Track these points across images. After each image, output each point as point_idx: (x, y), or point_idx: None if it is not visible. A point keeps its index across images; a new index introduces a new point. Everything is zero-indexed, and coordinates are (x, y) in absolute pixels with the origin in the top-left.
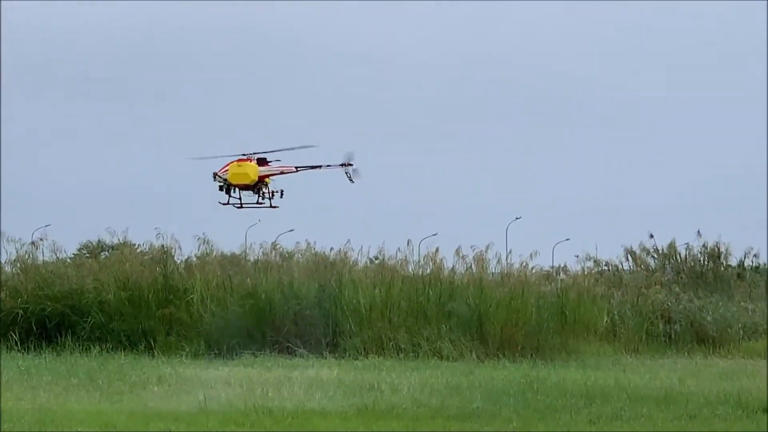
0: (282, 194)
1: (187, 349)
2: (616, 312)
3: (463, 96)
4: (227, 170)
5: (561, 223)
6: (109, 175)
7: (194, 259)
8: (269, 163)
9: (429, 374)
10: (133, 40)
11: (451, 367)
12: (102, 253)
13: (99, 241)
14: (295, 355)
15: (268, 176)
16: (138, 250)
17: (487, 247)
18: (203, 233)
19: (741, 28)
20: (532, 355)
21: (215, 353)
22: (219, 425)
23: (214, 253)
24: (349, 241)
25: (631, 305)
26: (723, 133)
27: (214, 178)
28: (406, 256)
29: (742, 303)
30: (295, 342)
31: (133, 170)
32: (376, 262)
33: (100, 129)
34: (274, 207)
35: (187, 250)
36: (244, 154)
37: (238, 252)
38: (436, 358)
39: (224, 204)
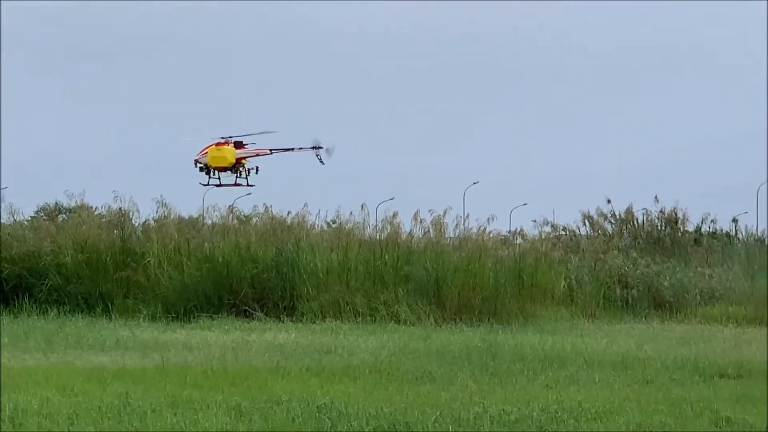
0: (257, 171)
1: (145, 312)
2: (573, 277)
3: (421, 64)
4: (206, 153)
5: (518, 188)
6: (67, 138)
7: (152, 222)
8: (245, 146)
9: (386, 338)
10: (84, 3)
11: (409, 331)
12: (60, 216)
13: (57, 203)
14: (253, 319)
15: (244, 158)
16: (96, 213)
17: (445, 212)
18: (161, 196)
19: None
20: (489, 320)
21: (173, 316)
22: (177, 387)
23: (172, 217)
24: (306, 204)
25: (588, 270)
26: (680, 101)
27: (195, 163)
28: (363, 220)
29: (699, 268)
30: (253, 305)
31: (93, 134)
32: (334, 226)
33: (60, 93)
34: (251, 185)
35: (144, 213)
36: (222, 138)
37: (195, 215)
38: (393, 322)
39: (205, 185)
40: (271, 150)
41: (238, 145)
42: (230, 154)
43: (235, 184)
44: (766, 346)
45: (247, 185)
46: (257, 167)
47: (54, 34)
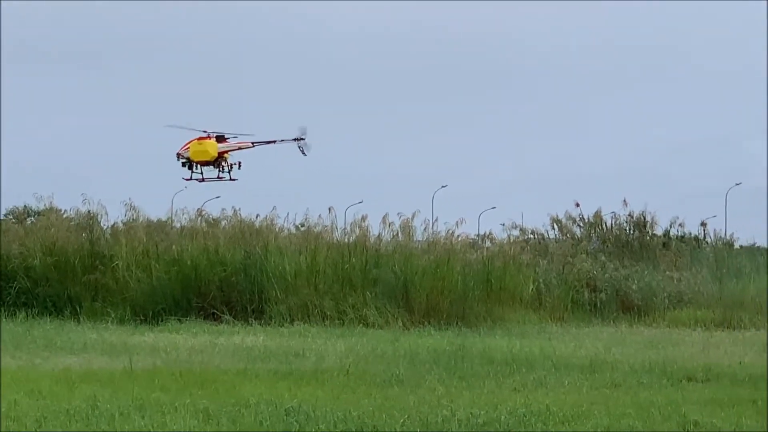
0: (240, 166)
1: (113, 315)
2: (541, 280)
3: (390, 67)
4: (188, 148)
5: (487, 192)
6: (37, 141)
7: (120, 225)
8: (227, 140)
9: (354, 341)
10: (58, 6)
11: (377, 334)
12: (28, 219)
13: (25, 206)
14: (221, 322)
15: (226, 152)
16: (64, 216)
17: (414, 215)
18: (129, 199)
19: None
20: (457, 323)
21: (141, 319)
22: (145, 390)
23: (141, 220)
24: (275, 208)
25: (556, 274)
26: (649, 106)
27: (177, 157)
28: (332, 223)
29: (667, 272)
30: (221, 308)
31: (61, 137)
32: (302, 229)
33: (29, 96)
34: (234, 180)
35: (113, 216)
36: (204, 131)
37: (164, 218)
38: (361, 325)
39: (187, 179)
40: (253, 143)
41: (220, 139)
42: (212, 148)
43: (218, 178)
44: (766, 350)
45: (230, 179)
46: (239, 162)
47: (25, 35)
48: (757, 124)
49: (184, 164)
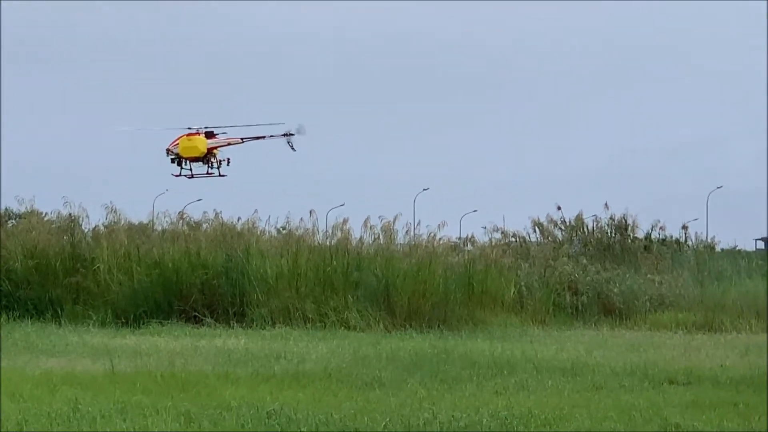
0: (228, 162)
1: (94, 318)
2: (523, 283)
3: (372, 70)
4: (177, 144)
5: (469, 195)
6: (17, 143)
7: (102, 228)
8: (216, 136)
9: (336, 344)
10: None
11: (359, 337)
12: (9, 221)
13: (6, 209)
14: (203, 325)
15: (216, 148)
16: (45, 219)
17: (395, 218)
18: (111, 202)
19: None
20: (439, 326)
21: (122, 322)
22: (126, 393)
23: (122, 223)
24: (256, 211)
25: (538, 277)
26: (630, 109)
27: (167, 153)
28: (314, 226)
29: (648, 275)
30: (203, 311)
31: (41, 139)
32: (284, 232)
33: (8, 98)
34: (223, 176)
35: (94, 218)
36: (190, 128)
37: (145, 221)
38: (343, 328)
39: (176, 176)
40: (242, 139)
41: (209, 135)
42: (201, 144)
43: (207, 174)
44: (765, 353)
45: (219, 176)
46: (228, 159)
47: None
48: (738, 127)
49: (173, 161)
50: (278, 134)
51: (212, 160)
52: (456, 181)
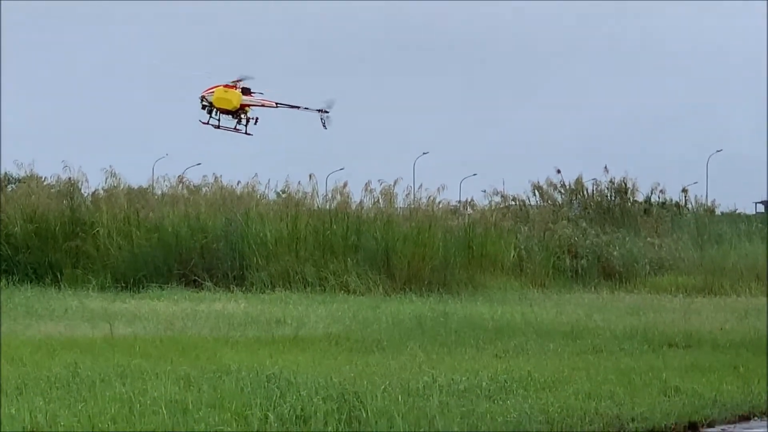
0: (257, 121)
1: (94, 282)
2: (522, 247)
3: (372, 36)
4: (213, 92)
5: (468, 159)
6: (16, 106)
7: (101, 192)
8: (252, 94)
9: (336, 308)
10: None
11: (358, 300)
12: (8, 186)
13: (5, 173)
14: (202, 289)
15: (248, 105)
16: (45, 183)
17: (395, 182)
18: (110, 166)
19: None
20: (439, 290)
21: (122, 286)
22: (126, 357)
23: (121, 187)
24: (256, 174)
25: (537, 240)
26: (631, 73)
27: (201, 99)
28: (313, 189)
29: (648, 239)
30: (202, 275)
31: (41, 103)
32: (283, 196)
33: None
34: (249, 134)
35: (94, 183)
36: (232, 81)
37: (145, 185)
38: (343, 292)
39: (204, 123)
40: (277, 103)
41: (246, 91)
42: (236, 98)
43: (234, 129)
44: (765, 316)
45: (246, 133)
46: (257, 118)
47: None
48: (738, 92)
49: (204, 107)
50: (313, 108)
51: (242, 116)
52: (456, 145)
